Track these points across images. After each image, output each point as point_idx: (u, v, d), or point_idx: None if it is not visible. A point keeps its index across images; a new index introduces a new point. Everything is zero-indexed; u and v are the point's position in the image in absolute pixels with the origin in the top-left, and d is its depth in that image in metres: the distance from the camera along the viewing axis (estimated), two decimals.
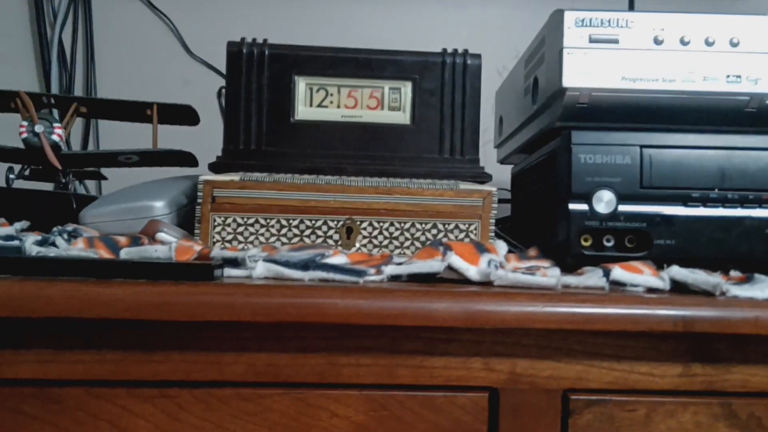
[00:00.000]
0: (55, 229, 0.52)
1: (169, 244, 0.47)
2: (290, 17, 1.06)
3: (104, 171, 0.86)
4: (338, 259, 0.48)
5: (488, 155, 0.87)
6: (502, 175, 0.82)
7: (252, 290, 0.42)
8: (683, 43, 0.51)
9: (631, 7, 1.08)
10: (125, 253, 0.48)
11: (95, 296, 0.40)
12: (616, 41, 0.51)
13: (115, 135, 0.99)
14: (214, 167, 0.59)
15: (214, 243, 0.55)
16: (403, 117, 0.60)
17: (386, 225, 0.55)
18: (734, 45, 0.51)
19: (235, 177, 0.55)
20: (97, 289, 0.41)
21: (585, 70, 0.51)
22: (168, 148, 0.69)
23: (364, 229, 0.55)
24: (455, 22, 1.07)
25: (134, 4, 1.04)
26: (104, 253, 0.48)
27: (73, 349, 0.44)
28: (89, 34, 1.02)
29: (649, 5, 1.08)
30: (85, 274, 0.43)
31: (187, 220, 0.59)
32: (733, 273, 0.50)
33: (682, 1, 1.09)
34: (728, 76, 0.51)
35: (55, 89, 1.00)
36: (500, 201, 0.83)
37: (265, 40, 0.60)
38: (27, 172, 0.69)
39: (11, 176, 0.68)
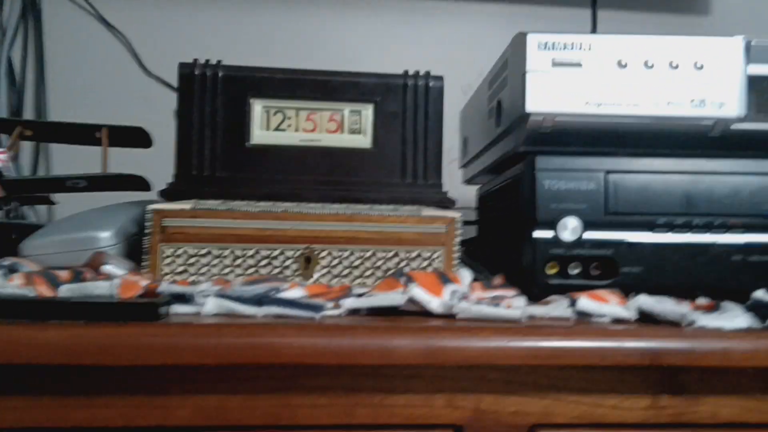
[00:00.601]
0: None
1: (112, 280, 0.44)
2: (252, 36, 1.03)
3: (56, 196, 0.83)
4: (294, 292, 0.46)
5: (455, 174, 0.85)
6: (470, 193, 0.81)
7: (199, 330, 0.39)
8: (647, 66, 0.50)
9: (594, 30, 1.08)
10: (65, 290, 0.45)
11: (27, 341, 0.38)
12: (579, 65, 0.49)
13: (71, 158, 0.95)
14: (166, 194, 0.56)
15: (163, 276, 0.52)
16: (364, 141, 0.58)
17: (346, 254, 0.53)
18: (698, 68, 0.50)
19: (186, 205, 0.52)
20: (30, 333, 0.38)
21: (548, 95, 0.49)
22: (118, 172, 0.66)
23: (324, 258, 0.53)
24: (421, 41, 1.06)
25: (87, 21, 1.00)
26: (43, 290, 0.45)
27: (5, 395, 0.40)
28: (40, 52, 0.99)
29: (612, 25, 1.10)
30: (19, 315, 0.40)
31: (137, 249, 0.55)
32: (701, 300, 0.49)
33: (646, 21, 1.11)
34: (692, 101, 0.50)
35: (3, 110, 0.95)
36: (467, 222, 0.82)
37: (219, 62, 0.58)
38: None
39: None
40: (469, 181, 0.78)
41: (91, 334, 0.38)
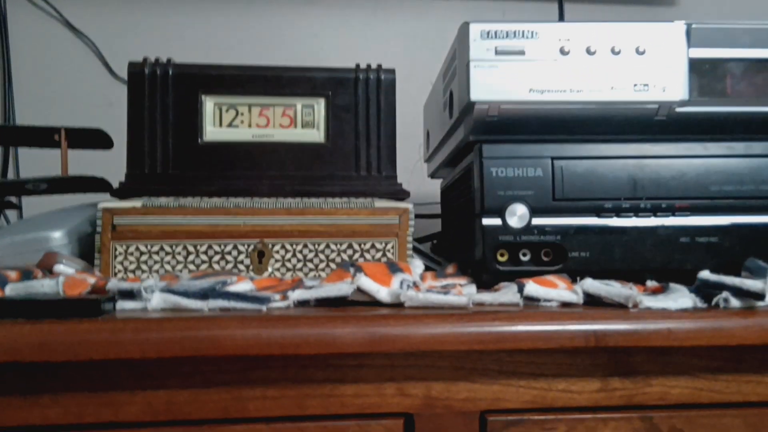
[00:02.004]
0: None
1: (58, 278, 0.44)
2: (217, 35, 1.03)
3: (26, 202, 0.83)
4: (242, 286, 0.46)
5: (425, 170, 0.86)
6: (438, 188, 0.81)
7: (141, 325, 0.39)
8: (589, 53, 0.50)
9: (561, 18, 1.09)
10: (10, 290, 0.45)
11: None
12: (522, 53, 0.50)
13: (40, 163, 0.94)
14: (118, 193, 0.56)
15: (115, 274, 0.52)
16: (317, 135, 0.59)
17: (300, 247, 0.53)
18: (640, 53, 0.51)
19: (137, 203, 0.52)
20: None
21: (492, 83, 0.50)
22: (78, 173, 0.66)
23: (277, 252, 0.53)
24: (387, 35, 1.07)
25: (53, 25, 1.00)
26: None
27: None
28: (6, 56, 0.98)
29: (580, 14, 1.10)
30: None
31: (91, 249, 0.55)
32: (650, 283, 0.50)
33: (612, 13, 1.12)
34: (635, 85, 0.50)
35: None
36: (431, 216, 0.82)
37: (169, 59, 0.58)
38: None
39: None
40: (432, 175, 0.78)
41: (31, 331, 0.38)
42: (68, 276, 0.45)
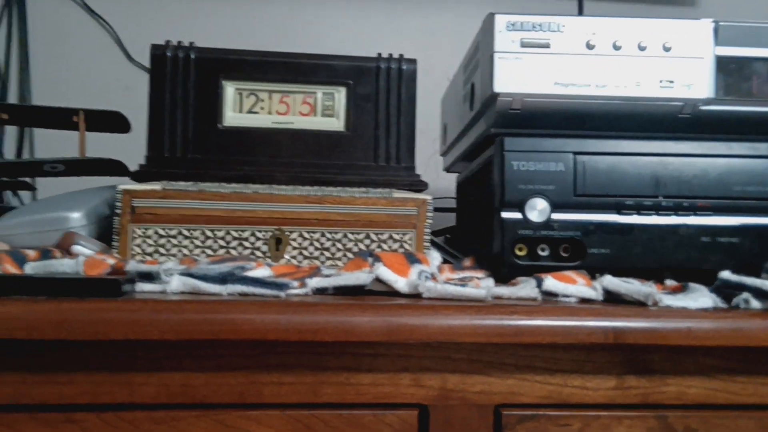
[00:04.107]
0: None
1: (78, 258, 0.44)
2: (236, 23, 1.03)
3: (40, 183, 0.83)
4: (260, 272, 0.46)
5: (441, 164, 0.86)
6: (453, 183, 0.81)
7: (160, 306, 0.39)
8: (615, 47, 0.50)
9: (581, 13, 1.08)
10: (30, 268, 0.45)
11: None
12: (547, 46, 0.49)
13: (55, 145, 0.95)
14: (137, 176, 0.56)
15: (133, 256, 0.52)
16: (336, 123, 0.58)
17: (317, 235, 0.53)
18: (667, 50, 0.50)
19: (156, 186, 0.52)
20: None
21: (517, 75, 0.49)
22: (97, 156, 0.66)
23: (294, 240, 0.53)
24: (406, 28, 1.06)
25: (71, 8, 1.00)
26: (9, 268, 0.45)
27: None
28: (24, 40, 0.98)
29: (599, 11, 1.10)
30: None
31: (109, 231, 0.55)
32: (669, 282, 0.49)
33: (632, 11, 1.11)
34: (661, 81, 0.50)
35: None
36: (446, 210, 0.82)
37: (191, 43, 0.58)
38: None
39: None
40: (448, 169, 0.78)
41: (52, 309, 0.38)
42: (88, 256, 0.45)
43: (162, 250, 0.52)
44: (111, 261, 0.46)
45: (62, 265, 0.44)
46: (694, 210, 0.51)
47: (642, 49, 0.50)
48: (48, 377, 0.41)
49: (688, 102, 0.51)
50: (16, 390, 0.41)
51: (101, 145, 0.73)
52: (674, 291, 0.47)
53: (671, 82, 0.50)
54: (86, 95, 0.99)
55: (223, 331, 0.39)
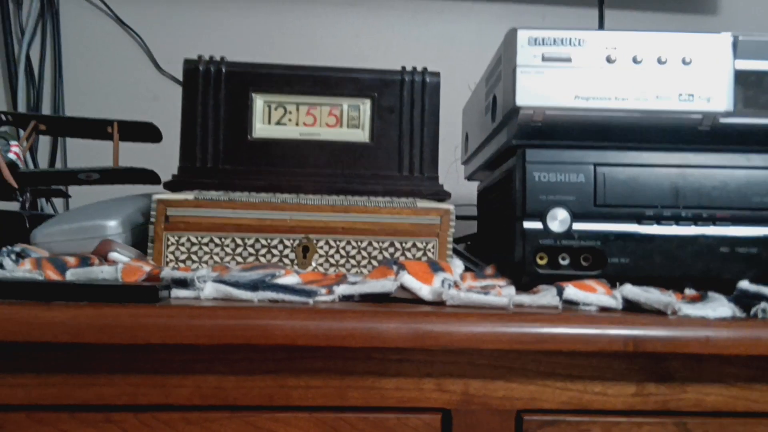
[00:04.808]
0: (3, 249, 0.51)
1: (117, 265, 0.46)
2: (261, 33, 1.05)
3: (73, 190, 0.86)
4: (289, 279, 0.47)
5: (461, 172, 0.87)
6: (474, 191, 0.82)
7: (196, 312, 0.41)
8: (635, 61, 0.51)
9: (601, 27, 1.09)
10: (71, 274, 0.47)
11: (33, 319, 0.40)
12: (568, 60, 0.51)
13: (87, 153, 0.98)
14: (170, 185, 0.58)
15: (167, 263, 0.54)
16: (362, 135, 0.60)
17: (343, 244, 0.55)
18: (686, 63, 0.51)
19: (189, 195, 0.54)
20: (35, 312, 0.40)
21: (538, 89, 0.51)
22: (130, 165, 0.68)
23: (321, 247, 0.55)
24: (427, 37, 1.08)
25: (103, 20, 1.03)
26: (51, 274, 0.47)
27: (13, 373, 0.43)
28: (57, 51, 1.02)
29: (620, 21, 1.10)
30: (26, 296, 0.42)
31: (142, 239, 0.58)
32: (688, 291, 0.50)
33: (653, 21, 1.12)
34: (681, 95, 0.51)
35: (22, 106, 0.99)
36: (467, 218, 0.83)
37: (222, 58, 0.60)
38: None
39: None
40: (469, 178, 0.80)
41: (94, 314, 0.40)
42: (125, 263, 0.47)
43: (194, 257, 0.54)
44: (147, 268, 0.48)
45: (102, 272, 0.46)
46: (713, 221, 0.52)
47: (662, 62, 0.51)
48: (88, 379, 0.43)
49: (708, 115, 0.52)
50: (59, 391, 0.43)
51: (127, 153, 0.75)
52: (693, 300, 0.48)
53: (691, 95, 0.51)
54: (116, 104, 1.02)
55: (255, 336, 0.41)
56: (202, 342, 0.41)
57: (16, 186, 0.65)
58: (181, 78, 1.00)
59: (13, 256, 0.50)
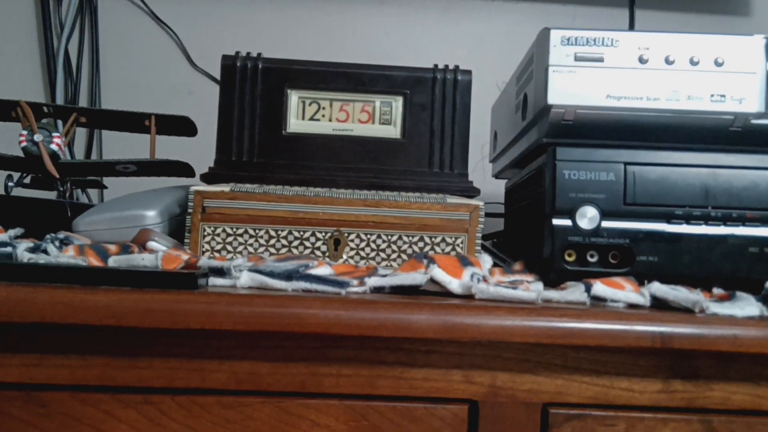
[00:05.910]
0: (47, 236, 0.53)
1: (157, 253, 0.48)
2: (293, 30, 1.07)
3: (107, 181, 0.88)
4: (322, 270, 0.49)
5: (488, 169, 0.88)
6: (500, 189, 0.83)
7: (234, 299, 0.43)
8: (668, 62, 0.51)
9: (632, 27, 1.09)
10: (113, 261, 0.49)
11: (79, 303, 0.41)
12: (601, 60, 0.51)
13: (120, 145, 1.00)
14: (207, 178, 0.60)
15: (203, 252, 0.56)
16: (393, 131, 0.61)
17: (373, 237, 0.56)
18: (719, 65, 0.51)
19: (225, 188, 0.56)
20: (81, 296, 0.42)
21: (570, 88, 0.51)
22: (165, 158, 0.70)
23: (352, 241, 0.56)
24: (457, 36, 1.09)
25: (140, 17, 1.06)
26: (93, 261, 0.49)
27: (58, 354, 0.44)
28: (95, 45, 1.04)
29: (651, 21, 1.10)
30: (72, 281, 0.44)
31: (179, 229, 0.59)
32: (716, 291, 0.50)
33: (684, 22, 1.11)
34: (712, 96, 0.51)
35: (60, 99, 1.01)
36: (494, 215, 0.84)
37: (259, 54, 0.61)
38: (26, 180, 0.71)
39: (10, 184, 0.69)
40: (497, 176, 0.80)
41: (136, 299, 0.42)
42: (164, 252, 0.49)
43: (229, 248, 0.56)
44: (185, 257, 0.50)
45: (143, 260, 0.48)
46: (743, 221, 0.52)
47: (694, 63, 0.51)
48: (129, 362, 0.45)
49: (739, 116, 0.52)
50: (101, 372, 0.44)
51: (159, 146, 0.77)
52: (721, 299, 0.48)
53: (722, 96, 0.51)
54: (151, 98, 1.04)
55: (290, 324, 0.42)
56: (240, 328, 0.42)
57: (57, 176, 0.67)
58: (214, 73, 1.03)
59: (57, 243, 0.52)
